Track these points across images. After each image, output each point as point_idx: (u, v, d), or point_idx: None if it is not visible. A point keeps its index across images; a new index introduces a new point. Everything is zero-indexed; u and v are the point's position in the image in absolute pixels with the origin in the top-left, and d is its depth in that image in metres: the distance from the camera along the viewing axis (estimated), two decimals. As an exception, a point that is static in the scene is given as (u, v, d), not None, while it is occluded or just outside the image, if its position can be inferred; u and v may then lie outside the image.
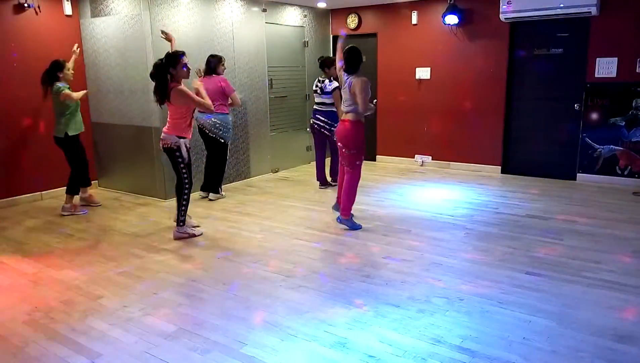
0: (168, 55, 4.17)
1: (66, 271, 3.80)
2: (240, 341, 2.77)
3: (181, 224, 4.41)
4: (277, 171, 7.27)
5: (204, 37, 5.99)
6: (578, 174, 6.38)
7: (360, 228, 4.58)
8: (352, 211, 4.62)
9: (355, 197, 4.63)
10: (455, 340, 2.74)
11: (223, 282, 3.55)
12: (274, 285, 3.49)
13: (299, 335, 2.82)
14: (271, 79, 7.04)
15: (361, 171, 4.62)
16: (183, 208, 4.39)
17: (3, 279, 3.69)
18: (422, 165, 7.54)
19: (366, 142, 4.64)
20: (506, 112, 6.79)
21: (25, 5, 5.48)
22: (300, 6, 7.40)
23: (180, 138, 4.24)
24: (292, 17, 7.32)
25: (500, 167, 6.94)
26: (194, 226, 4.62)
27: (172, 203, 4.89)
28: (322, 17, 7.91)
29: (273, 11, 6.95)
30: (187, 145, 4.33)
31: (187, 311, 3.13)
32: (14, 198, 5.53)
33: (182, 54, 4.18)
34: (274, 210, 5.32)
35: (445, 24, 6.84)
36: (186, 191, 4.37)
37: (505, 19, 6.29)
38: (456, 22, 6.75)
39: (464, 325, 2.89)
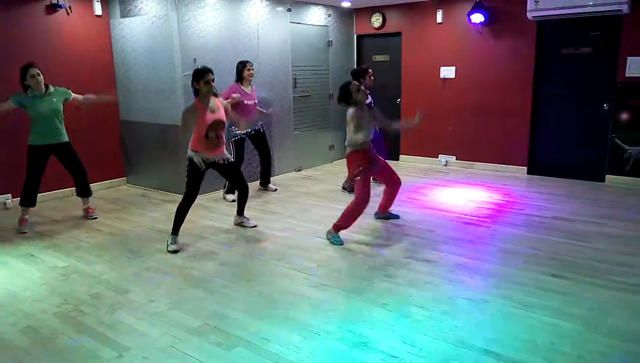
0: (196, 70, 4.16)
1: (95, 266, 3.90)
2: (263, 338, 2.80)
3: (172, 232, 4.24)
4: (300, 170, 7.31)
5: (230, 37, 6.05)
6: (607, 176, 6.24)
7: (341, 244, 4.25)
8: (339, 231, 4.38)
9: (353, 220, 4.33)
10: (479, 342, 2.72)
11: (247, 279, 3.60)
12: (297, 282, 3.52)
13: (321, 333, 2.84)
14: (295, 79, 7.08)
15: (368, 194, 4.28)
16: (175, 217, 4.22)
17: (34, 272, 3.81)
18: (445, 165, 7.47)
19: (372, 158, 4.33)
20: (532, 112, 6.68)
21: (57, 5, 5.63)
22: (325, 5, 7.41)
23: (193, 151, 4.12)
24: (317, 17, 7.34)
25: (526, 168, 6.84)
26: (251, 225, 4.73)
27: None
28: (346, 16, 7.91)
29: (298, 11, 6.98)
30: (202, 160, 4.10)
31: (211, 307, 3.18)
32: (45, 193, 5.69)
33: (207, 71, 4.11)
34: (297, 208, 5.35)
35: (470, 22, 6.77)
36: (181, 203, 4.20)
37: (532, 17, 6.19)
38: (482, 21, 6.67)
39: (488, 328, 2.87)
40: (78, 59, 5.92)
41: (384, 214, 4.89)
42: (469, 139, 7.24)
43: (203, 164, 4.11)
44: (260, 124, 5.86)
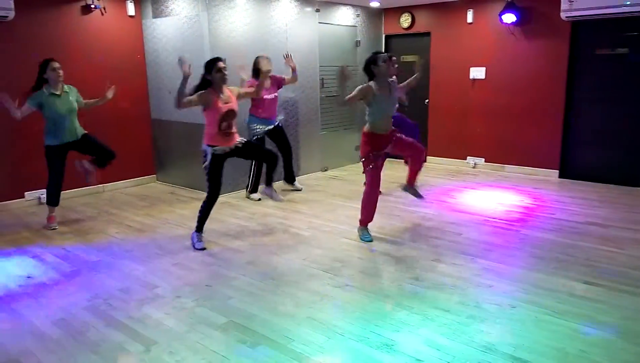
0: (207, 61, 4.12)
1: (125, 261, 3.99)
2: (287, 337, 2.81)
3: (196, 229, 4.29)
4: (326, 170, 7.31)
5: (258, 38, 6.10)
6: (643, 181, 6.06)
7: (370, 241, 4.29)
8: (367, 224, 4.38)
9: (369, 209, 4.30)
10: (507, 348, 2.66)
11: (272, 277, 3.62)
12: (321, 282, 3.52)
13: (345, 334, 2.83)
14: (322, 79, 7.08)
15: (375, 182, 4.25)
16: (199, 214, 4.25)
17: (67, 265, 3.92)
18: (474, 167, 7.36)
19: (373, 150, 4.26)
20: (565, 114, 6.52)
21: (92, 6, 5.78)
22: (353, 6, 7.40)
23: (209, 145, 4.11)
24: (345, 17, 7.33)
25: (557, 171, 6.68)
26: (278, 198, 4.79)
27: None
28: (375, 16, 7.87)
29: (326, 11, 6.99)
30: (221, 152, 4.13)
31: (237, 305, 3.21)
32: (76, 189, 5.84)
33: (217, 59, 4.07)
34: (323, 208, 5.36)
35: (502, 22, 6.65)
36: (205, 201, 4.22)
37: (566, 17, 6.04)
38: (514, 21, 6.54)
39: (516, 334, 2.81)
40: (111, 58, 6.06)
41: (411, 188, 4.71)
42: (498, 141, 7.11)
43: (226, 149, 4.13)
44: (279, 121, 5.83)
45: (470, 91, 7.25)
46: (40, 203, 5.58)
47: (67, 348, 2.74)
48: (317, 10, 6.82)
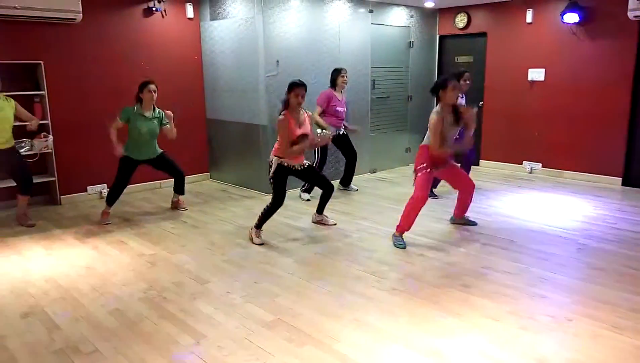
0: (291, 82, 4.28)
1: (179, 255, 4.13)
2: (333, 337, 2.82)
3: (256, 225, 4.40)
4: (375, 172, 7.27)
5: (311, 39, 6.15)
6: None
7: (404, 247, 4.20)
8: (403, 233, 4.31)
9: (411, 218, 4.23)
10: (561, 362, 2.55)
11: (319, 278, 3.64)
12: (368, 285, 3.50)
13: (391, 338, 2.81)
14: (374, 80, 7.05)
15: (423, 192, 4.18)
16: (261, 214, 4.37)
17: (124, 258, 4.10)
18: (530, 172, 7.10)
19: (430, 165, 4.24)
20: (631, 119, 6.17)
21: (153, 9, 6.01)
22: (407, 6, 7.31)
23: (277, 157, 4.28)
24: (398, 18, 7.26)
25: (621, 179, 6.33)
26: (329, 224, 4.84)
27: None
28: (429, 17, 7.75)
29: (379, 12, 6.95)
30: (286, 164, 4.28)
31: (284, 303, 3.24)
32: (136, 185, 6.10)
33: (298, 85, 4.21)
34: (371, 211, 5.33)
35: (563, 22, 6.38)
36: (269, 205, 4.34)
37: (634, 17, 5.71)
38: (576, 21, 6.26)
39: (572, 348, 2.69)
40: (171, 59, 6.29)
41: (460, 219, 4.75)
42: (557, 146, 6.83)
43: (292, 166, 4.33)
44: (344, 128, 5.93)
45: (528, 93, 7.00)
46: (101, 197, 5.87)
47: (122, 338, 2.86)
48: (371, 11, 6.79)
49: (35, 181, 5.42)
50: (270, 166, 4.33)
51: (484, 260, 3.93)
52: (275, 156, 4.31)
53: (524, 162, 7.20)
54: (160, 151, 5.15)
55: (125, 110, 4.86)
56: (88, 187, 5.89)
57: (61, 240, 4.53)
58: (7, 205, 5.36)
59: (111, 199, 5.06)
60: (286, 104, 4.27)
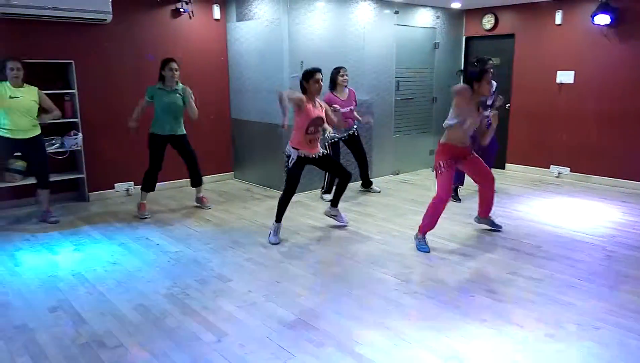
0: (305, 71, 4.37)
1: (202, 253, 4.17)
2: (354, 339, 2.81)
3: (276, 219, 4.45)
4: (397, 174, 7.22)
5: (336, 40, 6.15)
6: None
7: (428, 251, 4.14)
8: (426, 233, 4.25)
9: (433, 218, 4.17)
10: (587, 371, 2.50)
11: (341, 279, 3.63)
12: (390, 288, 3.48)
13: (413, 342, 2.78)
14: (398, 81, 7.01)
15: (445, 190, 4.15)
16: (278, 207, 4.42)
17: (149, 254, 4.17)
18: (557, 177, 6.96)
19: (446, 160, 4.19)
20: (665, 124, 6.00)
21: (181, 10, 6.10)
22: (433, 7, 7.25)
23: (294, 148, 4.34)
24: (424, 19, 7.21)
25: (652, 184, 6.16)
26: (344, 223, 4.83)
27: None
28: (456, 18, 7.67)
29: (405, 13, 6.90)
30: (303, 156, 4.36)
31: (305, 303, 3.25)
32: (162, 183, 6.20)
33: (317, 71, 4.30)
34: (393, 213, 5.30)
35: (594, 24, 6.23)
36: (282, 196, 4.41)
37: (670, 17, 5.56)
38: (607, 23, 6.11)
39: (599, 357, 2.63)
40: (198, 60, 6.37)
41: (485, 219, 4.67)
42: (586, 150, 6.67)
43: (309, 155, 4.37)
44: (355, 128, 5.86)
45: (556, 95, 6.86)
46: (128, 194, 5.98)
47: (146, 333, 2.91)
48: (396, 12, 6.75)
49: (64, 178, 5.58)
50: (287, 157, 4.38)
51: (509, 265, 3.86)
52: (293, 147, 4.35)
53: (551, 166, 7.06)
54: (184, 131, 5.21)
55: (149, 88, 5.01)
56: (115, 184, 6.01)
57: (89, 236, 4.63)
58: (31, 202, 5.47)
59: (146, 185, 5.17)
60: (304, 91, 4.33)
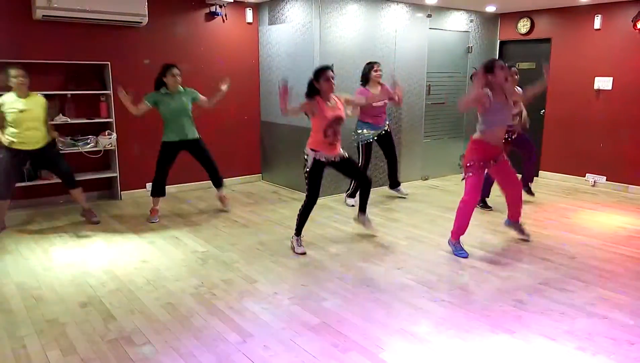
0: (316, 69, 4.15)
1: (229, 254, 4.21)
2: (378, 345, 2.78)
3: (295, 233, 4.29)
4: (426, 179, 7.14)
5: (367, 43, 6.12)
6: None
7: (466, 257, 4.09)
8: (460, 238, 4.19)
9: (463, 221, 4.12)
10: (621, 389, 2.40)
11: (367, 284, 3.60)
12: (417, 295, 3.43)
13: (438, 350, 2.74)
14: (429, 85, 6.93)
15: (474, 192, 4.07)
16: (298, 218, 4.26)
17: (177, 253, 4.23)
18: (593, 185, 6.75)
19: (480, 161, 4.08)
20: None
21: (215, 13, 6.19)
22: (467, 11, 7.15)
23: (312, 150, 4.14)
24: (458, 22, 7.11)
25: (695, 196, 5.90)
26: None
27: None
28: (490, 21, 7.54)
29: (438, 16, 6.83)
30: (323, 159, 4.15)
31: (330, 307, 3.24)
32: (192, 183, 6.30)
33: (326, 68, 4.07)
34: (422, 218, 5.23)
35: (635, 29, 6.03)
36: (303, 205, 4.24)
37: None
38: (650, 27, 5.91)
39: (634, 374, 2.53)
40: (230, 62, 6.45)
41: (515, 224, 4.53)
42: (624, 158, 6.45)
43: (329, 158, 4.16)
44: (388, 125, 5.78)
45: (593, 102, 6.66)
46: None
47: (173, 332, 2.94)
48: (429, 16, 6.68)
49: (98, 176, 5.73)
50: (306, 160, 4.18)
51: (540, 276, 3.76)
52: (311, 149, 4.15)
53: (587, 175, 6.85)
54: (196, 135, 5.10)
55: (151, 93, 4.88)
56: (147, 184, 6.12)
57: (120, 234, 4.73)
58: (65, 199, 5.60)
59: (154, 190, 5.07)
60: (312, 93, 4.07)
